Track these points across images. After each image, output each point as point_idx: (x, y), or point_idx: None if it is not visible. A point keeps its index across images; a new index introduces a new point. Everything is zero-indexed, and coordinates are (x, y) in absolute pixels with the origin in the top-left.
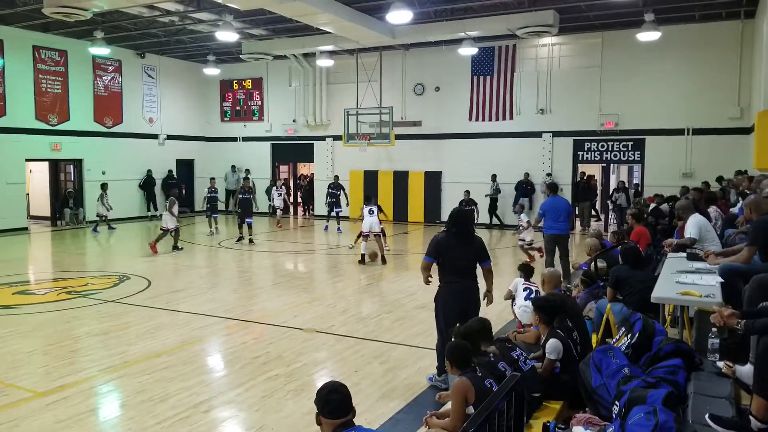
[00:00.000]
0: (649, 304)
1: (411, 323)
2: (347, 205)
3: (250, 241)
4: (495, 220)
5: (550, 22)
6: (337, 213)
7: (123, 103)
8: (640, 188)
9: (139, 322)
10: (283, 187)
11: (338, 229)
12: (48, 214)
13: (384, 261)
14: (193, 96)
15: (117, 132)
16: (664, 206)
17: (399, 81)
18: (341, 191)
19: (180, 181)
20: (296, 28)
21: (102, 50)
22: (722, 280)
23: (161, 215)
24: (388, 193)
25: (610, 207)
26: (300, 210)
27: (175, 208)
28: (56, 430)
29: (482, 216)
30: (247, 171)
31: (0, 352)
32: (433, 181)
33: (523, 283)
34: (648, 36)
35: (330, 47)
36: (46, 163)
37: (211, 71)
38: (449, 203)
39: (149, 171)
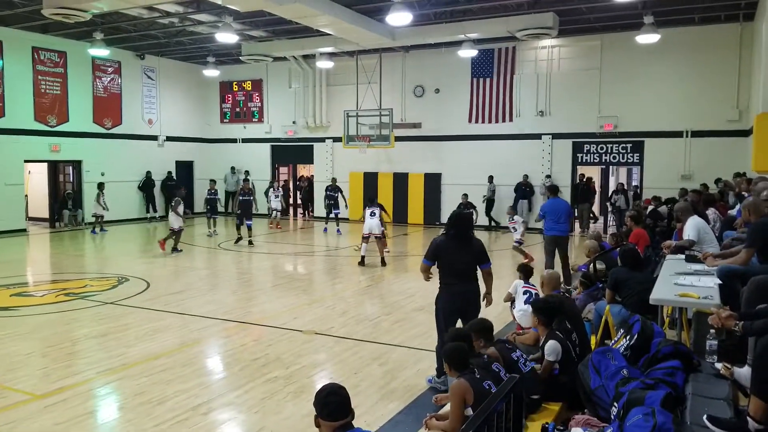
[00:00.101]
0: (648, 305)
1: (410, 325)
2: (346, 207)
3: (250, 242)
4: (489, 222)
5: (549, 24)
6: (336, 215)
7: (122, 105)
8: (639, 190)
9: (137, 324)
10: (281, 188)
11: (338, 230)
12: (47, 215)
13: (383, 263)
14: (193, 97)
15: (116, 133)
16: (663, 208)
17: (399, 83)
18: (339, 193)
19: (179, 183)
20: (296, 29)
21: (101, 51)
22: (720, 282)
23: (161, 216)
24: (388, 194)
25: (609, 209)
26: (299, 212)
27: (180, 208)
28: None
29: (480, 218)
30: (247, 173)
31: None
32: (432, 182)
33: (523, 286)
34: (647, 38)
35: (330, 49)
36: (45, 164)
37: (211, 73)
38: (449, 205)
39: (148, 172)
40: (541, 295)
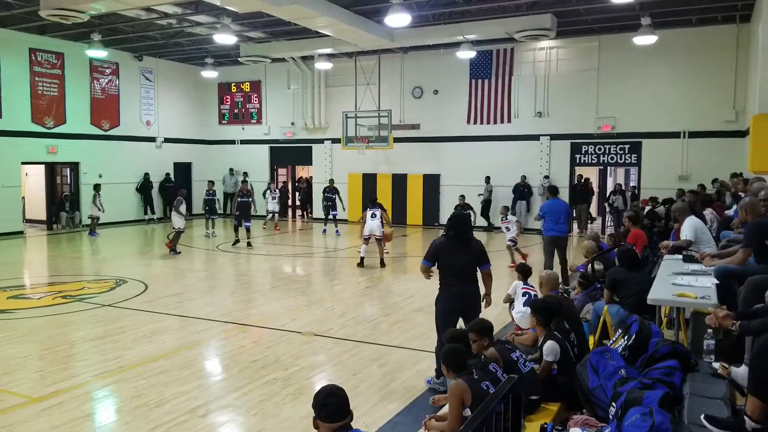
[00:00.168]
0: (646, 305)
1: (409, 326)
2: (344, 209)
3: (249, 244)
4: (485, 223)
5: (547, 25)
6: (334, 216)
7: (120, 106)
8: (637, 191)
9: (135, 326)
10: (277, 190)
11: (336, 231)
12: (44, 217)
13: (383, 264)
14: (191, 99)
15: (114, 135)
16: (660, 209)
17: (397, 84)
18: (336, 195)
19: (178, 185)
20: (295, 31)
21: (99, 53)
22: (718, 282)
23: (158, 218)
24: (387, 195)
25: (607, 209)
26: (298, 213)
27: (183, 207)
28: None
29: (477, 219)
30: (245, 174)
31: None
32: (431, 183)
33: (522, 287)
34: (645, 40)
35: (328, 50)
36: (42, 166)
37: (209, 74)
38: (448, 206)
39: (146, 174)
40: (540, 295)
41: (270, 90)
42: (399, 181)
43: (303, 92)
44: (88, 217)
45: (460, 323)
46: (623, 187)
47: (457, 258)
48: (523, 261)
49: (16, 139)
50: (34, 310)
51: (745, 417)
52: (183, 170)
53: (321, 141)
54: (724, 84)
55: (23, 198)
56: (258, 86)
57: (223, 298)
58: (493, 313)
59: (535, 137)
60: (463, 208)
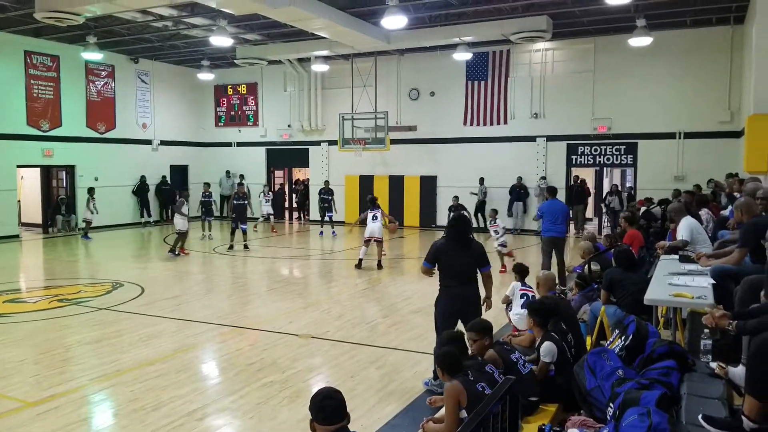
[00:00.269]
0: (643, 306)
1: (406, 328)
2: (335, 212)
3: (245, 246)
4: (475, 224)
5: (543, 27)
6: (330, 217)
7: (116, 109)
8: (633, 191)
9: (132, 329)
10: (271, 193)
11: (333, 233)
12: (40, 221)
13: (380, 266)
14: (187, 101)
15: (110, 138)
16: (657, 209)
17: (394, 86)
18: (331, 197)
19: (174, 187)
20: (291, 33)
21: (95, 55)
22: (714, 282)
23: (155, 220)
24: (384, 197)
25: (604, 210)
26: (295, 215)
27: (185, 208)
28: None
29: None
30: (242, 176)
31: None
32: (428, 185)
33: (520, 289)
34: (640, 41)
35: (325, 52)
36: (38, 169)
37: (206, 76)
38: (445, 207)
39: (143, 177)
40: (537, 296)
41: (266, 92)
42: (396, 183)
43: (299, 94)
44: (83, 221)
45: (460, 325)
46: (619, 188)
47: (457, 259)
48: (517, 262)
49: (11, 142)
50: (30, 313)
51: (743, 417)
52: (179, 173)
53: (318, 143)
54: (719, 85)
55: (19, 201)
56: (254, 88)
57: (220, 300)
58: (491, 314)
59: (532, 138)
60: (456, 208)
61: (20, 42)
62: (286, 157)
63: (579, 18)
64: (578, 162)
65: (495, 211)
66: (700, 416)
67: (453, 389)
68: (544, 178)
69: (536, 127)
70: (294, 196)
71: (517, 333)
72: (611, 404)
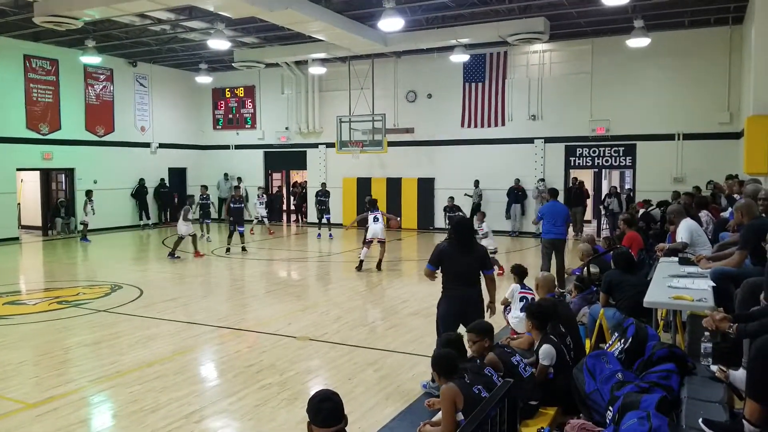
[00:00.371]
0: (642, 308)
1: (405, 330)
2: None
3: (243, 249)
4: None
5: (540, 29)
6: (327, 219)
7: (115, 112)
8: (632, 193)
9: (130, 331)
10: (264, 195)
11: (330, 235)
12: (39, 223)
13: (379, 267)
14: (185, 104)
15: (109, 141)
16: (656, 211)
17: (391, 88)
18: (328, 199)
19: (172, 190)
20: (288, 36)
21: (93, 59)
22: (714, 284)
23: (153, 223)
24: (382, 199)
25: (603, 212)
26: (293, 218)
27: (191, 215)
28: None
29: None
30: (239, 179)
31: None
32: (426, 187)
33: (520, 292)
34: (638, 42)
35: (322, 55)
36: (38, 172)
37: (203, 79)
38: (442, 210)
39: (141, 180)
40: (537, 298)
41: (264, 95)
42: (393, 185)
43: (297, 97)
44: (81, 223)
45: (462, 328)
46: (618, 190)
47: (459, 262)
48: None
49: (11, 145)
50: (29, 315)
51: (744, 420)
52: (178, 175)
53: (315, 146)
54: (718, 86)
55: (18, 204)
56: (252, 91)
57: (218, 303)
58: (486, 315)
59: (530, 140)
60: (451, 209)
61: (19, 46)
62: (283, 159)
63: (576, 19)
64: (576, 164)
65: (483, 214)
66: (700, 420)
67: (449, 392)
68: (542, 180)
69: (534, 129)
70: (292, 198)
71: (515, 336)
72: (610, 408)
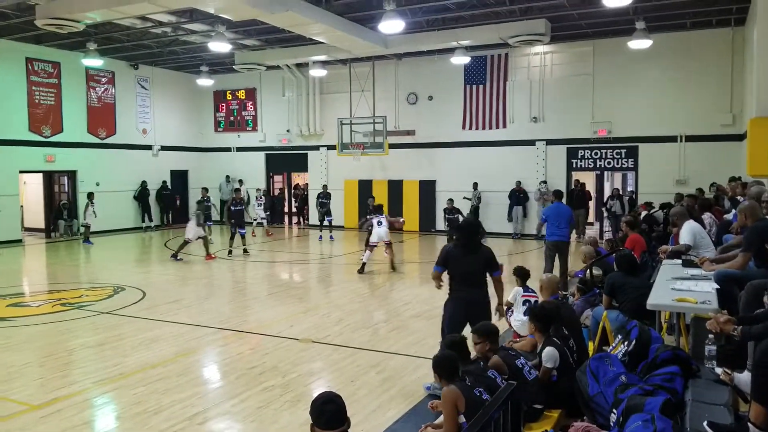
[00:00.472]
0: (645, 311)
1: (407, 332)
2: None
3: (245, 251)
4: None
5: (541, 30)
6: (329, 222)
7: (116, 115)
8: (634, 196)
9: (133, 333)
10: (263, 197)
11: (330, 237)
12: (42, 226)
13: (393, 267)
14: (187, 107)
15: (110, 143)
16: (659, 213)
17: (392, 90)
18: (329, 200)
19: (174, 192)
20: (289, 38)
21: (95, 62)
22: (718, 287)
23: (156, 225)
24: (383, 202)
25: (605, 215)
26: (294, 220)
27: (201, 218)
28: None
29: None
30: (240, 182)
31: None
32: (427, 189)
33: (522, 295)
34: (639, 44)
35: (323, 57)
36: (40, 174)
37: (205, 82)
38: (442, 211)
39: (144, 182)
40: (540, 299)
41: (265, 97)
42: (395, 188)
43: (298, 99)
44: (82, 225)
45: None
46: (621, 192)
47: (465, 263)
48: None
49: (13, 148)
50: (33, 317)
51: (749, 423)
52: (179, 178)
53: (316, 148)
54: (721, 87)
55: (21, 206)
56: (253, 94)
57: (221, 305)
58: (494, 318)
59: (531, 142)
60: (451, 211)
61: (22, 49)
62: (285, 161)
63: (577, 21)
64: (578, 166)
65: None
66: (705, 423)
67: (450, 394)
68: (544, 182)
69: (535, 131)
70: (294, 200)
71: (517, 339)
72: (614, 410)
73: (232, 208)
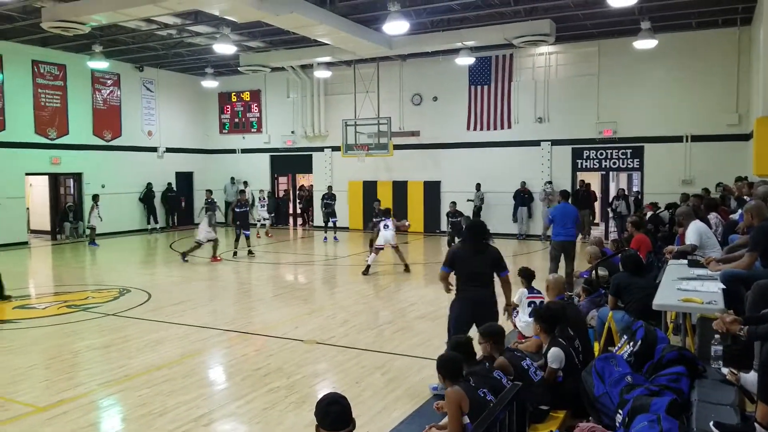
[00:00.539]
0: (651, 311)
1: (412, 333)
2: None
3: (249, 252)
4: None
5: (546, 31)
6: (334, 223)
7: (122, 117)
8: (640, 196)
9: (139, 335)
10: (266, 198)
11: (335, 238)
12: (48, 228)
13: (407, 269)
14: (192, 109)
15: (116, 145)
16: (664, 213)
17: (397, 91)
18: (334, 202)
19: (179, 194)
20: (293, 40)
21: (100, 64)
22: (724, 287)
23: (161, 227)
24: (388, 203)
25: (610, 215)
26: (299, 221)
27: (213, 220)
28: None
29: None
30: (245, 183)
31: (0, 366)
32: (432, 190)
33: (528, 296)
34: (644, 44)
35: (327, 58)
36: (46, 177)
37: (210, 84)
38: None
39: (149, 184)
40: (547, 299)
41: (270, 99)
42: (399, 189)
43: (302, 101)
44: (88, 227)
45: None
46: (626, 193)
47: (472, 264)
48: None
49: (19, 150)
50: (39, 319)
51: (756, 424)
52: (185, 180)
53: (321, 149)
54: (727, 87)
55: (27, 209)
56: (258, 95)
57: (226, 306)
58: (502, 318)
59: (536, 143)
60: (454, 215)
61: (28, 51)
62: (289, 163)
63: (582, 21)
64: (584, 166)
65: (468, 219)
66: (711, 423)
67: (454, 394)
68: (549, 182)
69: (540, 132)
70: (298, 202)
71: (522, 340)
72: (620, 411)
73: (237, 210)
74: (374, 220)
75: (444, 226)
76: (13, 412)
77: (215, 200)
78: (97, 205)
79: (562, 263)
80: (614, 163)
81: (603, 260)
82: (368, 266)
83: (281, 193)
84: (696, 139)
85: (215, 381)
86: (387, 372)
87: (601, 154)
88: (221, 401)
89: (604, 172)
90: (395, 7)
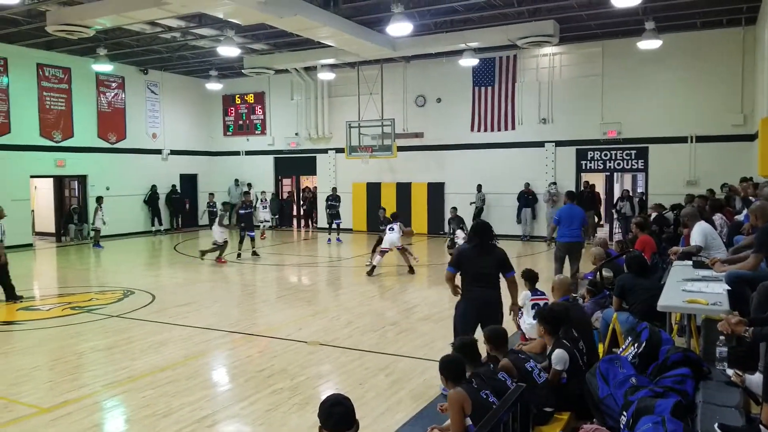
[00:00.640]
0: (656, 312)
1: (415, 335)
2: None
3: (254, 253)
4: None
5: (550, 32)
6: (338, 224)
7: (126, 119)
8: (644, 197)
9: (143, 336)
10: (267, 200)
11: (338, 239)
12: (53, 230)
13: (412, 271)
14: (196, 111)
15: (121, 148)
16: (669, 214)
17: (400, 93)
18: (339, 203)
19: (184, 196)
20: (297, 42)
21: (105, 67)
22: (729, 288)
23: (165, 229)
24: (392, 204)
25: (615, 216)
26: (303, 223)
27: (225, 220)
28: None
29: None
30: (249, 185)
31: (4, 367)
32: (436, 192)
33: (531, 298)
34: (649, 44)
35: (331, 60)
36: (51, 179)
37: (214, 86)
38: (447, 222)
39: (153, 186)
40: (552, 300)
41: (274, 101)
42: (403, 190)
43: (306, 103)
44: (92, 230)
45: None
46: (630, 193)
47: (478, 264)
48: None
49: (24, 153)
50: (43, 321)
51: (761, 426)
52: (189, 182)
53: (325, 151)
54: (731, 87)
55: (32, 211)
56: (262, 98)
57: (230, 308)
58: (505, 320)
59: (540, 144)
60: (455, 221)
61: (33, 55)
62: (293, 165)
63: (586, 22)
64: (588, 167)
65: (461, 220)
66: (716, 425)
67: (457, 396)
68: (554, 183)
69: (544, 133)
70: (302, 203)
71: (525, 342)
72: (624, 412)
73: (241, 212)
74: (381, 228)
75: (447, 227)
76: (17, 413)
77: (217, 203)
78: (101, 207)
79: (566, 264)
80: (619, 164)
81: (607, 261)
82: (373, 267)
83: (285, 195)
84: (701, 139)
85: (219, 382)
86: (391, 373)
87: (606, 155)
88: (225, 402)
89: (608, 173)
90: (399, 8)
